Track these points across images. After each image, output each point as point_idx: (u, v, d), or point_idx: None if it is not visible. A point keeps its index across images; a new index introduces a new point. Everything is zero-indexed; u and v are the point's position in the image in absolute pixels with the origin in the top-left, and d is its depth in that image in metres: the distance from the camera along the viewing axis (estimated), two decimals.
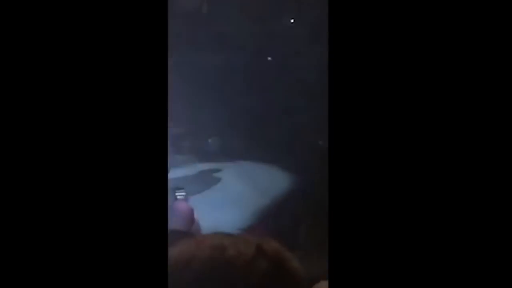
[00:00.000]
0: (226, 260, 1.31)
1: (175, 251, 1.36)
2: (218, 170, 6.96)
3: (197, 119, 7.31)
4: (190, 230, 4.43)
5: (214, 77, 7.42)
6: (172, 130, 5.80)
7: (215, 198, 6.17)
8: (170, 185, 5.57)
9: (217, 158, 7.24)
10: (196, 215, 4.83)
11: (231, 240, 1.37)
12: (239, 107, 7.72)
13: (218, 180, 6.81)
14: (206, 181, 6.66)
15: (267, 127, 7.55)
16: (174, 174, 6.01)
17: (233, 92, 7.66)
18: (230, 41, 7.53)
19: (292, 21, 7.88)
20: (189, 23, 7.53)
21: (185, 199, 5.43)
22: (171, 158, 5.81)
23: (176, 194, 5.52)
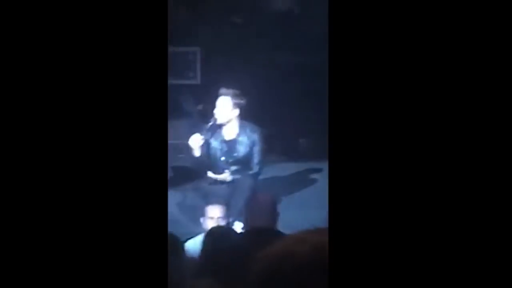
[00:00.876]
0: (325, 257, 1.32)
1: (276, 246, 1.38)
2: (313, 171, 6.95)
3: (289, 119, 7.33)
4: (272, 225, 4.44)
5: (306, 77, 7.43)
6: (264, 130, 5.84)
7: (306, 199, 6.16)
8: (257, 184, 5.62)
9: (308, 158, 7.24)
10: (279, 213, 4.83)
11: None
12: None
13: (313, 181, 6.78)
14: (299, 181, 6.66)
15: None
16: (265, 174, 6.03)
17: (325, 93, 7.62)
18: (323, 42, 7.51)
19: None
20: (280, 24, 7.57)
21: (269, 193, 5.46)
22: (264, 157, 5.87)
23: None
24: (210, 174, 5.71)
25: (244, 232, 4.48)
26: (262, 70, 7.41)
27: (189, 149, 5.71)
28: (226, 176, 5.67)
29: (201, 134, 5.61)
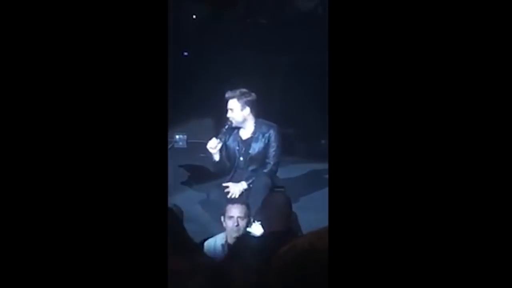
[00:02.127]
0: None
1: (301, 239, 1.42)
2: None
3: (310, 120, 7.32)
4: (289, 227, 4.44)
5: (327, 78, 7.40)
6: (286, 130, 5.86)
7: (324, 199, 6.14)
8: (272, 183, 5.61)
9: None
10: (295, 213, 4.86)
11: None
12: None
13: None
14: (316, 182, 6.63)
15: None
16: (283, 173, 6.03)
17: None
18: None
19: None
20: (305, 25, 7.56)
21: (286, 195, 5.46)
22: (283, 158, 5.87)
23: (276, 190, 5.56)
24: (225, 184, 5.76)
25: (262, 235, 4.48)
26: (283, 70, 7.41)
27: (208, 153, 5.77)
28: (242, 185, 5.69)
29: (218, 138, 5.65)
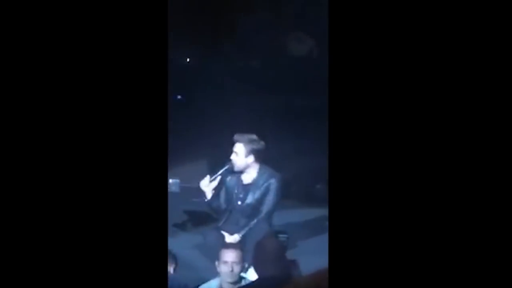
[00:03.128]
0: None
1: (301, 280, 1.34)
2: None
3: (305, 164, 7.25)
4: (284, 272, 4.37)
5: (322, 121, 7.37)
6: (281, 175, 5.76)
7: (323, 245, 6.04)
8: (269, 230, 5.51)
9: (325, 204, 7.13)
10: (298, 263, 4.80)
11: None
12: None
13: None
14: (315, 227, 6.55)
15: None
16: (279, 220, 5.93)
17: None
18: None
19: None
20: (297, 68, 7.55)
21: (287, 242, 5.39)
22: (280, 203, 5.77)
23: (279, 236, 5.47)
24: (222, 232, 5.66)
25: (257, 280, 4.42)
26: (279, 114, 7.36)
27: (202, 193, 5.67)
28: (235, 237, 5.58)
29: (214, 178, 5.55)
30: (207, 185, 5.56)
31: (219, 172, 5.63)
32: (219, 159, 6.17)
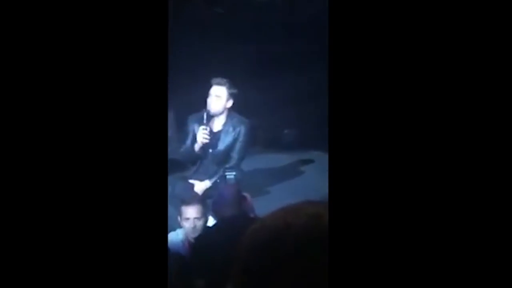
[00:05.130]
0: (323, 227, 1.28)
1: (267, 219, 1.32)
2: (300, 163, 6.91)
3: (273, 110, 7.28)
4: (241, 211, 4.49)
5: (287, 66, 7.39)
6: (249, 121, 5.75)
7: (294, 189, 6.12)
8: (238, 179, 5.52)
9: (293, 149, 7.20)
10: (249, 198, 4.87)
11: (326, 209, 1.33)
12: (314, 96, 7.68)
13: (300, 172, 6.75)
14: (286, 172, 6.61)
15: None
16: (248, 165, 5.97)
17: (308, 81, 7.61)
18: (307, 31, 7.47)
19: None
20: (265, 14, 7.52)
21: (235, 180, 5.44)
22: (248, 149, 5.80)
23: (226, 174, 5.50)
24: (191, 181, 5.63)
25: (216, 223, 4.49)
26: (245, 60, 7.35)
27: (185, 140, 5.60)
28: (206, 183, 5.57)
29: (199, 125, 5.49)
30: (201, 135, 5.47)
31: (203, 119, 5.49)
32: (186, 106, 6.14)
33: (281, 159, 6.93)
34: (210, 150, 5.63)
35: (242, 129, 5.59)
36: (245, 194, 4.88)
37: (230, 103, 5.53)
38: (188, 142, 5.65)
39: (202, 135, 5.47)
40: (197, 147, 5.56)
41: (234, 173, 5.49)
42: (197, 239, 4.57)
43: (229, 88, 5.48)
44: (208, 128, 5.51)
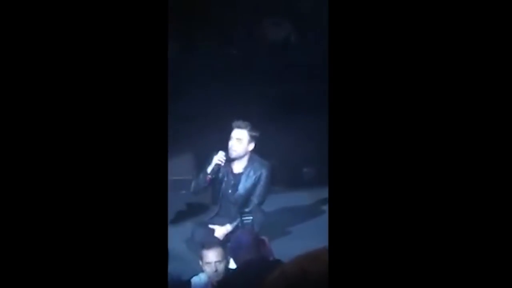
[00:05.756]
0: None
1: (286, 266, 1.33)
2: (320, 202, 6.87)
3: (292, 149, 7.27)
4: (260, 255, 4.46)
5: (303, 106, 7.39)
6: (270, 163, 5.75)
7: (315, 228, 6.08)
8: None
9: (313, 187, 7.16)
10: (267, 242, 4.82)
11: None
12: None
13: (322, 212, 6.71)
14: (308, 212, 6.57)
15: None
16: (269, 206, 5.95)
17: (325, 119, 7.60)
18: (322, 70, 7.49)
19: None
20: (278, 55, 7.54)
21: (252, 225, 5.44)
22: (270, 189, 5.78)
23: (243, 218, 5.48)
24: (212, 226, 5.61)
25: (238, 267, 4.48)
26: (263, 101, 7.36)
27: (198, 176, 5.57)
28: (227, 228, 5.56)
29: (210, 171, 5.47)
30: (219, 159, 5.41)
31: (220, 162, 5.49)
32: (205, 149, 6.15)
33: (302, 198, 6.90)
34: (230, 191, 5.62)
35: (263, 173, 5.59)
36: (264, 237, 4.86)
37: (251, 146, 5.54)
38: (201, 175, 5.64)
39: (218, 157, 5.47)
40: (209, 169, 5.52)
41: (251, 217, 5.52)
42: (219, 282, 4.56)
43: (250, 130, 5.49)
44: (227, 157, 5.50)
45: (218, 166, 5.46)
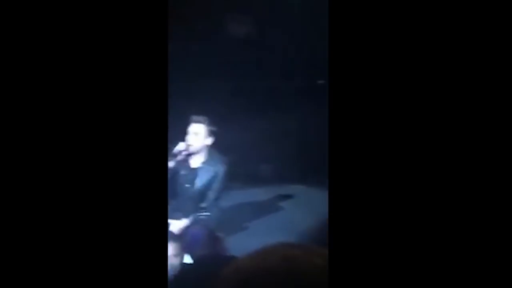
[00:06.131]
0: (298, 270, 1.29)
1: (243, 261, 1.33)
2: (278, 198, 6.92)
3: (249, 145, 7.30)
4: (215, 251, 4.49)
5: (263, 102, 7.43)
6: (228, 158, 5.74)
7: (272, 224, 6.12)
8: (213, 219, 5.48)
9: (270, 183, 7.21)
10: (223, 239, 4.85)
11: (302, 251, 1.34)
12: (289, 132, 7.72)
13: (278, 208, 6.75)
14: (265, 207, 6.60)
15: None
16: (226, 201, 5.95)
17: (283, 117, 7.66)
18: (282, 67, 7.53)
19: None
20: (240, 51, 7.57)
21: (208, 220, 5.40)
22: (227, 185, 5.78)
23: (199, 214, 5.47)
24: (168, 220, 5.56)
25: (193, 262, 4.48)
26: (223, 97, 7.38)
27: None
28: (183, 222, 5.51)
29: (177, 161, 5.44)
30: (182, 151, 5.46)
31: (181, 156, 5.45)
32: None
33: (259, 194, 6.93)
34: (187, 185, 5.61)
35: (220, 168, 5.54)
36: (219, 234, 4.86)
37: (209, 141, 5.54)
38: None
39: (178, 147, 5.41)
40: (173, 181, 5.51)
41: (208, 213, 5.46)
42: (176, 276, 4.54)
43: (208, 125, 5.48)
44: (186, 164, 5.50)
45: (176, 155, 5.42)
